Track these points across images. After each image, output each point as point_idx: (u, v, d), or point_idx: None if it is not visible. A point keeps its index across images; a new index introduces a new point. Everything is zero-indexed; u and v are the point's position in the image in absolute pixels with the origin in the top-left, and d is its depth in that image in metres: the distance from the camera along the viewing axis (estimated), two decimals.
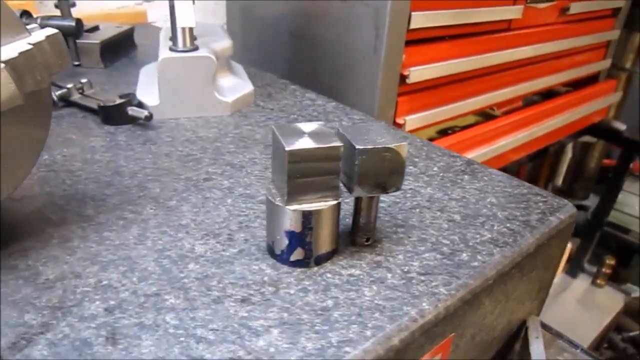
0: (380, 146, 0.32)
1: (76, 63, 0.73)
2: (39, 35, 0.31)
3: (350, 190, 0.34)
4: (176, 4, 0.51)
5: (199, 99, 0.57)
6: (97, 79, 0.67)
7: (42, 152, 0.36)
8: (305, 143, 0.31)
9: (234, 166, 0.48)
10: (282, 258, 0.35)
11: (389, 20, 0.74)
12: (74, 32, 0.69)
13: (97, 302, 0.31)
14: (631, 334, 1.88)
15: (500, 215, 0.42)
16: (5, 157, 0.32)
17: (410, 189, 0.46)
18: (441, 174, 0.49)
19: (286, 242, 0.34)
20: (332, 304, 0.31)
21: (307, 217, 0.33)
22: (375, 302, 0.32)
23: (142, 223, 0.38)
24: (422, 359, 0.33)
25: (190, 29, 0.55)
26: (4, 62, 0.27)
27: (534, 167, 1.66)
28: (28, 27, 0.32)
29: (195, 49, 0.56)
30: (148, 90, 0.58)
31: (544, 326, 0.49)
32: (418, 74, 0.82)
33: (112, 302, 0.31)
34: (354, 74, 0.82)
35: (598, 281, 1.63)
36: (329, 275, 0.34)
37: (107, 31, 0.76)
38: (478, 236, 0.39)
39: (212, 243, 0.37)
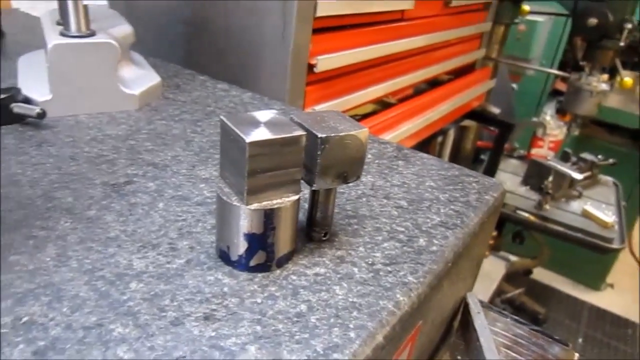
0: (342, 134, 0.30)
1: None
2: None
3: (310, 183, 0.31)
4: None
5: (101, 92, 0.49)
6: None
7: None
8: (263, 133, 0.28)
9: (157, 166, 0.42)
10: (240, 264, 0.31)
11: (297, 7, 0.71)
12: None
13: (21, 346, 0.24)
14: (508, 295, 2.11)
15: (442, 198, 0.43)
16: None
17: None
18: (376, 161, 0.48)
19: (245, 246, 0.30)
20: (306, 309, 0.29)
21: (269, 217, 0.29)
22: (350, 300, 0.30)
23: (59, 240, 0.32)
24: (396, 352, 0.32)
25: (85, 10, 0.47)
26: None
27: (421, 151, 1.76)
28: None
29: (93, 34, 0.48)
30: (35, 83, 0.49)
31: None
32: (325, 62, 0.81)
33: (41, 343, 0.25)
34: (261, 64, 0.79)
35: None
36: (293, 277, 0.31)
37: None
38: (428, 220, 0.39)
39: (153, 255, 0.32)
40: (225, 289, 0.29)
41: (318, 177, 0.31)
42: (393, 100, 1.20)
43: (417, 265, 0.34)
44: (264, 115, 0.30)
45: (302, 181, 0.31)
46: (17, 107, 0.44)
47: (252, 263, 0.31)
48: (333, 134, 0.30)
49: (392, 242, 0.36)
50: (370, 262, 0.33)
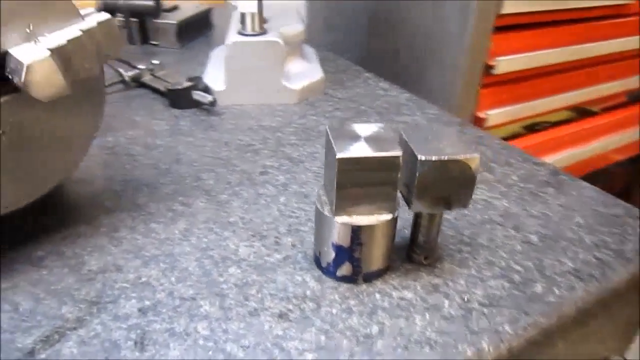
0: (446, 157, 0.28)
1: (154, 43, 0.74)
2: (91, 21, 0.30)
3: (408, 203, 0.30)
4: None
5: (265, 85, 0.55)
6: (171, 60, 0.67)
7: (92, 140, 0.35)
8: (359, 149, 0.28)
9: (292, 160, 0.45)
10: (328, 271, 0.32)
11: (477, 3, 0.67)
12: (152, 12, 0.70)
13: (133, 301, 0.30)
14: None
15: (587, 240, 0.36)
16: (48, 149, 0.31)
17: (483, 199, 0.41)
18: (521, 184, 0.43)
19: (333, 255, 0.31)
20: (377, 331, 0.28)
21: (356, 232, 0.29)
22: (427, 334, 0.28)
23: (191, 217, 0.37)
24: None
25: (260, 11, 0.53)
26: (51, 50, 0.26)
27: (632, 171, 1.48)
28: (84, 12, 0.31)
29: (264, 33, 0.54)
30: (215, 74, 0.57)
31: None
32: (506, 64, 0.75)
33: (147, 303, 0.30)
34: (434, 63, 0.76)
35: None
36: (377, 295, 0.31)
37: (185, 11, 0.76)
38: (557, 264, 0.34)
39: (258, 246, 0.35)
40: (308, 292, 0.31)
41: (415, 199, 0.29)
42: (596, 108, 1.04)
43: (521, 313, 0.30)
44: (368, 128, 0.30)
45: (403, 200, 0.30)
46: (195, 95, 0.52)
47: (339, 273, 0.31)
48: (435, 157, 0.28)
49: (501, 280, 0.32)
50: (465, 299, 0.31)
